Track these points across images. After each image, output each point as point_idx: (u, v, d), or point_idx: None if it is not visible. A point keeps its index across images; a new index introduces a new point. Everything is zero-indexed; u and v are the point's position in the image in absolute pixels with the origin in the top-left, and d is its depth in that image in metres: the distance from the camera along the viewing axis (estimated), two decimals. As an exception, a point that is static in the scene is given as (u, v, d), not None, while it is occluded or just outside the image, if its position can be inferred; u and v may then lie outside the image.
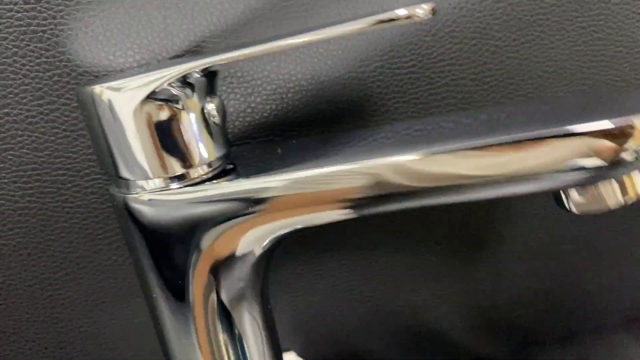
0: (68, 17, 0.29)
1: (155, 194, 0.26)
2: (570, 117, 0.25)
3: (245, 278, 0.28)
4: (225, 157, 0.28)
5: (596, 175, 0.24)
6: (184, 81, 0.25)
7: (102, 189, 0.32)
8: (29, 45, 0.29)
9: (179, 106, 0.25)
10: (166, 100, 0.25)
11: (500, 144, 0.24)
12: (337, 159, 0.26)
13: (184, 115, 0.26)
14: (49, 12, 0.29)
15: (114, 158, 0.26)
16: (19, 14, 0.28)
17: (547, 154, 0.24)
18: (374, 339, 0.40)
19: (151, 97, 0.25)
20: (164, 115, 0.25)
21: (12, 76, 0.29)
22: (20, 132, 0.30)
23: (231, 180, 0.26)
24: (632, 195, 0.25)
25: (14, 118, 0.30)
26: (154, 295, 0.28)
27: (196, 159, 0.26)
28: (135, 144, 0.25)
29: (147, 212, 0.26)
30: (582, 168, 0.24)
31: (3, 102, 0.29)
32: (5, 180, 0.31)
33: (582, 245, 0.40)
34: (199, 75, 0.26)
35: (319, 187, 0.26)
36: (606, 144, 0.23)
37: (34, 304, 0.33)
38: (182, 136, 0.26)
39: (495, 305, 0.41)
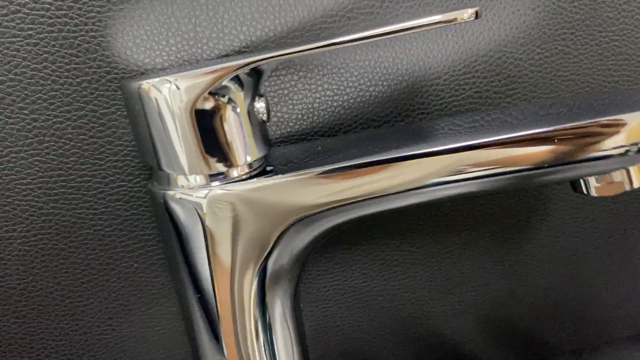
0: (100, 24, 0.29)
1: (194, 190, 0.26)
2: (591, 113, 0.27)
3: (283, 277, 0.28)
4: (265, 159, 0.28)
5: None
6: (235, 79, 0.25)
7: (127, 196, 0.32)
8: (59, 51, 0.29)
9: (227, 104, 0.25)
10: (215, 98, 0.25)
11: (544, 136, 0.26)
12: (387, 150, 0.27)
13: (231, 113, 0.26)
14: (81, 19, 0.29)
15: (157, 152, 0.26)
16: (51, 20, 0.28)
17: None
18: (391, 349, 0.40)
19: (200, 93, 0.25)
20: (211, 112, 0.25)
21: (41, 82, 0.29)
22: (47, 138, 0.30)
23: (270, 179, 0.27)
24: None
25: (42, 124, 0.30)
26: (187, 292, 0.28)
27: (239, 158, 0.26)
28: (179, 140, 0.25)
29: (187, 209, 0.26)
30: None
31: (32, 107, 0.29)
32: (31, 186, 0.31)
33: (597, 258, 0.40)
34: (247, 74, 0.26)
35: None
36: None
37: (54, 311, 0.33)
38: (227, 134, 0.26)
39: (509, 317, 0.41)
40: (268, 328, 0.29)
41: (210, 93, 0.25)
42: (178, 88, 0.25)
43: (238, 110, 0.26)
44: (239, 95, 0.26)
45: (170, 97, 0.25)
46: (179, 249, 0.27)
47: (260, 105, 0.26)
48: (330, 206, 0.27)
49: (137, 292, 0.34)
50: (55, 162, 0.30)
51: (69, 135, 0.30)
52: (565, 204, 0.38)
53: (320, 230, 0.28)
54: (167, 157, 0.26)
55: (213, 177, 0.26)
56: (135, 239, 0.33)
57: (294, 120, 0.32)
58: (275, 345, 0.29)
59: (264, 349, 0.28)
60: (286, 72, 0.31)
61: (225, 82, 0.25)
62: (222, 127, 0.25)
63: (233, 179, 0.26)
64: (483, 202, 0.37)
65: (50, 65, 0.29)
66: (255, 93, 0.26)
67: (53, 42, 0.29)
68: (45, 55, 0.29)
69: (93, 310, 0.34)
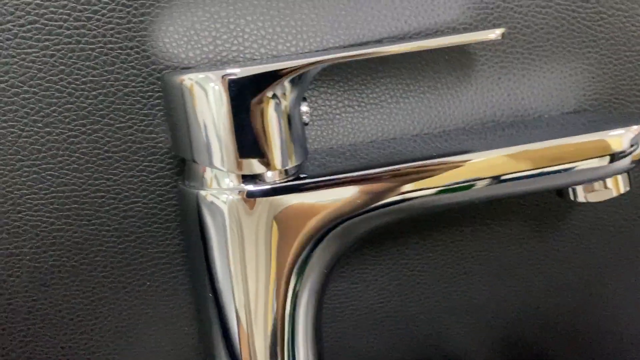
0: (118, 36, 0.28)
1: (228, 191, 0.26)
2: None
3: (312, 289, 0.27)
4: (300, 167, 0.27)
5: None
6: (288, 80, 0.25)
7: (141, 213, 0.31)
8: (76, 63, 0.28)
9: (275, 104, 0.25)
10: (263, 97, 0.25)
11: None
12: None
13: (276, 114, 0.25)
14: (99, 31, 0.28)
15: (192, 146, 0.25)
16: (69, 32, 0.27)
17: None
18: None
19: (249, 91, 0.24)
20: (256, 111, 0.25)
21: (57, 94, 0.28)
22: (61, 152, 0.29)
23: (307, 185, 0.26)
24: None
25: (56, 137, 0.29)
26: (210, 295, 0.27)
27: (277, 162, 0.26)
28: (218, 136, 0.25)
29: (219, 209, 0.26)
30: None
31: (46, 120, 0.28)
32: (43, 202, 0.30)
33: (620, 280, 0.39)
34: (298, 76, 0.25)
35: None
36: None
37: (62, 330, 0.32)
38: (269, 135, 0.25)
39: (525, 338, 0.41)
40: (290, 342, 0.28)
41: (259, 91, 0.24)
42: (225, 84, 0.24)
43: (284, 111, 0.25)
44: (288, 97, 0.25)
45: (215, 92, 0.24)
46: (204, 250, 0.27)
47: (304, 108, 0.26)
48: (366, 212, 0.27)
49: (148, 311, 0.33)
50: (68, 177, 0.30)
51: (84, 150, 0.29)
52: (587, 223, 0.37)
53: (352, 238, 0.27)
54: (204, 153, 0.25)
55: (248, 178, 0.26)
56: (148, 257, 0.32)
57: (314, 130, 0.31)
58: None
59: None
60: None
61: (278, 82, 0.24)
62: (266, 128, 0.25)
63: (269, 182, 0.26)
64: (502, 223, 0.36)
65: (66, 77, 0.28)
66: (302, 95, 0.26)
67: (70, 54, 0.28)
68: (62, 67, 0.28)
69: (102, 330, 0.33)
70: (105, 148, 0.29)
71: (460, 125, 0.33)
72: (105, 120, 0.29)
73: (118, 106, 0.29)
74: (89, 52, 0.28)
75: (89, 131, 0.29)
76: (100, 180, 0.30)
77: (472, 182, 0.29)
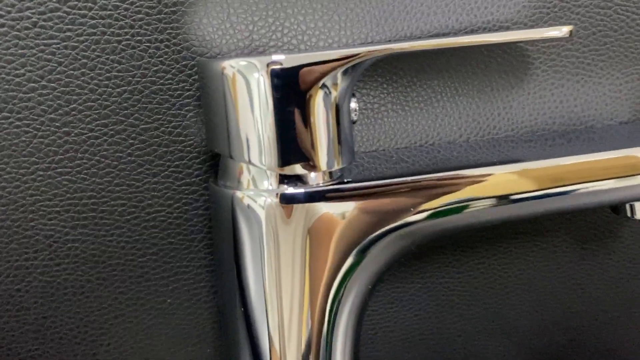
0: (147, 28, 0.25)
1: (265, 193, 0.23)
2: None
3: (353, 303, 0.25)
4: (344, 171, 0.25)
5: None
6: (341, 71, 0.23)
7: (164, 223, 0.28)
8: (100, 57, 0.25)
9: (324, 98, 0.22)
10: (313, 89, 0.22)
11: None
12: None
13: (323, 107, 0.22)
14: (126, 21, 0.25)
15: (230, 143, 0.23)
16: (93, 21, 0.25)
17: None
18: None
19: (293, 81, 0.22)
20: (304, 104, 0.22)
21: (77, 90, 0.26)
22: (79, 155, 0.26)
23: (354, 190, 0.24)
24: None
25: (74, 139, 0.26)
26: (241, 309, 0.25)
27: (322, 163, 0.23)
28: (260, 131, 0.22)
29: (256, 213, 0.23)
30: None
31: (64, 119, 0.26)
32: (57, 209, 0.27)
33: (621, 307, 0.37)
34: (351, 68, 0.23)
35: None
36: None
37: (73, 351, 0.29)
38: (315, 132, 0.23)
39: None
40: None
41: (307, 82, 0.22)
42: (270, 72, 0.22)
43: (333, 105, 0.23)
44: (339, 89, 0.22)
45: (258, 81, 0.22)
46: (236, 259, 0.24)
47: (353, 105, 0.23)
48: (416, 222, 0.24)
49: (168, 331, 0.30)
50: (86, 183, 0.27)
51: (104, 153, 0.27)
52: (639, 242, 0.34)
53: (399, 250, 0.25)
54: (242, 148, 0.23)
55: (288, 179, 0.23)
56: (170, 272, 0.29)
57: (356, 132, 0.29)
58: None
59: None
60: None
61: (330, 72, 0.22)
62: (313, 123, 0.22)
63: (311, 185, 0.23)
64: (548, 241, 0.33)
65: (88, 72, 0.25)
66: (352, 90, 0.23)
67: (94, 47, 0.25)
68: (84, 60, 0.25)
69: (118, 351, 0.30)
70: (129, 151, 0.27)
71: (510, 133, 0.30)
72: (130, 120, 0.26)
73: (144, 105, 0.26)
74: (115, 44, 0.25)
75: (111, 132, 0.26)
76: (122, 187, 0.27)
77: (525, 195, 0.27)
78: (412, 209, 0.24)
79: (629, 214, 0.30)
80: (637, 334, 0.38)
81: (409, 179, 0.25)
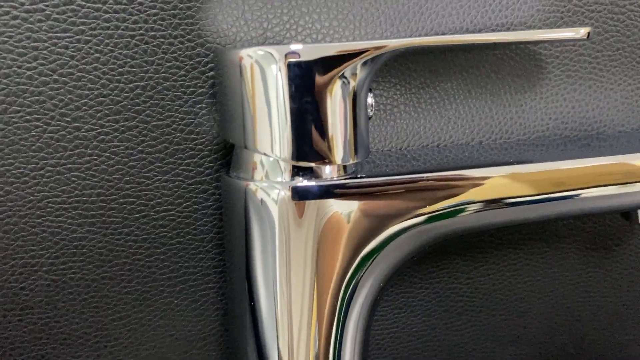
0: (162, 23, 0.25)
1: (283, 186, 0.23)
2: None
3: (363, 302, 0.24)
4: (359, 166, 0.24)
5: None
6: (360, 63, 0.22)
7: (174, 223, 0.28)
8: (113, 51, 0.25)
9: (342, 89, 0.22)
10: (331, 80, 0.22)
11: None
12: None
13: (341, 99, 0.22)
14: (141, 16, 0.25)
15: (246, 131, 0.23)
16: (107, 15, 0.25)
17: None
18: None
19: (311, 71, 0.22)
20: (321, 95, 0.22)
21: (89, 85, 0.25)
22: (89, 151, 0.26)
23: (368, 185, 0.23)
24: None
25: (85, 134, 0.26)
26: (242, 303, 0.24)
27: (337, 156, 0.23)
28: (277, 121, 0.22)
29: (268, 206, 0.23)
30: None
31: (75, 114, 0.25)
32: (65, 206, 0.26)
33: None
34: (371, 60, 0.23)
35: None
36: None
37: (77, 351, 0.29)
38: (332, 124, 0.22)
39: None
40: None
41: (326, 72, 0.21)
42: (288, 63, 0.21)
43: (351, 98, 0.22)
44: (357, 81, 0.22)
45: (276, 70, 0.21)
46: (246, 251, 0.24)
47: (370, 100, 0.23)
48: (429, 217, 0.24)
49: (174, 332, 0.29)
50: (95, 179, 0.26)
51: (115, 149, 0.26)
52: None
53: (413, 246, 0.24)
54: (257, 138, 0.22)
55: (303, 172, 0.23)
56: (177, 272, 0.28)
57: (376, 137, 0.28)
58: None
59: None
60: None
61: (350, 63, 0.21)
62: (330, 115, 0.22)
63: (325, 179, 0.23)
64: (559, 247, 0.33)
65: (101, 67, 0.25)
66: (370, 85, 0.23)
67: (107, 41, 0.25)
68: (97, 55, 0.25)
69: (122, 352, 0.29)
70: (139, 148, 0.26)
71: (522, 137, 0.30)
72: (141, 116, 0.26)
73: (156, 102, 0.26)
74: (128, 39, 0.25)
75: (122, 128, 0.26)
76: (131, 184, 0.27)
77: (536, 197, 0.26)
78: (426, 206, 0.24)
79: None
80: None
81: (424, 175, 0.24)
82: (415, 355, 0.34)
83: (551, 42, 0.27)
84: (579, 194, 0.27)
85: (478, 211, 0.25)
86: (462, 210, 0.25)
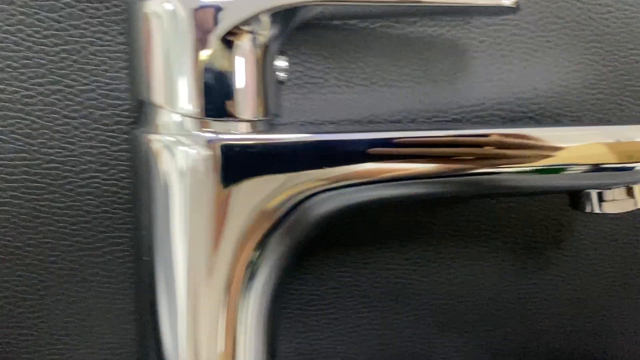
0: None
1: (189, 139, 0.22)
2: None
3: (271, 266, 0.24)
4: (272, 126, 0.24)
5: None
6: (267, 16, 0.22)
7: (99, 190, 0.28)
8: (38, 13, 0.25)
9: (248, 44, 0.22)
10: (238, 33, 0.22)
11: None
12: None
13: (248, 56, 0.22)
14: None
15: (150, 87, 0.22)
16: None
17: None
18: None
19: (217, 22, 0.22)
20: (227, 48, 0.22)
21: (13, 47, 0.25)
22: (12, 114, 0.26)
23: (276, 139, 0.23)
24: None
25: (8, 97, 0.26)
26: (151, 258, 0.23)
27: (246, 110, 0.22)
28: (181, 75, 0.22)
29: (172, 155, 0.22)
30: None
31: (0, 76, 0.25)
32: (-12, 169, 0.26)
33: (615, 293, 0.36)
34: (280, 14, 0.22)
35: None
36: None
37: (0, 324, 0.28)
38: (240, 76, 0.22)
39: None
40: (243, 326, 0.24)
41: (232, 24, 0.21)
42: (192, 12, 0.21)
43: (260, 54, 0.22)
44: (266, 38, 0.22)
45: (180, 21, 0.21)
46: (149, 205, 0.23)
47: (281, 63, 0.23)
48: (345, 181, 0.23)
49: (100, 305, 0.29)
50: (19, 143, 0.26)
51: (39, 113, 0.26)
52: (597, 235, 0.34)
53: (331, 208, 0.24)
54: (161, 91, 0.22)
55: (210, 126, 0.22)
56: (104, 242, 0.28)
57: (289, 101, 0.28)
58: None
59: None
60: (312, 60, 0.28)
61: (253, 17, 0.21)
62: (237, 68, 0.22)
63: (234, 133, 0.22)
64: (500, 235, 0.33)
65: (25, 29, 0.25)
66: (280, 46, 0.23)
67: (32, 3, 0.25)
68: (21, 17, 0.25)
69: (47, 325, 0.29)
70: (64, 112, 0.26)
71: (457, 117, 0.30)
72: (66, 81, 0.26)
73: (81, 66, 0.26)
74: (54, 1, 0.25)
75: (47, 92, 0.26)
76: (55, 149, 0.27)
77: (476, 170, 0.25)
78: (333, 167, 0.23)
79: (588, 209, 0.29)
80: (590, 326, 0.37)
81: (334, 136, 0.24)
82: (356, 339, 0.33)
83: (480, 11, 0.27)
84: (512, 170, 0.26)
85: (391, 180, 0.24)
86: (389, 178, 0.24)
